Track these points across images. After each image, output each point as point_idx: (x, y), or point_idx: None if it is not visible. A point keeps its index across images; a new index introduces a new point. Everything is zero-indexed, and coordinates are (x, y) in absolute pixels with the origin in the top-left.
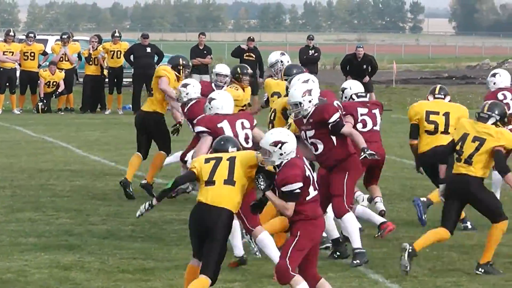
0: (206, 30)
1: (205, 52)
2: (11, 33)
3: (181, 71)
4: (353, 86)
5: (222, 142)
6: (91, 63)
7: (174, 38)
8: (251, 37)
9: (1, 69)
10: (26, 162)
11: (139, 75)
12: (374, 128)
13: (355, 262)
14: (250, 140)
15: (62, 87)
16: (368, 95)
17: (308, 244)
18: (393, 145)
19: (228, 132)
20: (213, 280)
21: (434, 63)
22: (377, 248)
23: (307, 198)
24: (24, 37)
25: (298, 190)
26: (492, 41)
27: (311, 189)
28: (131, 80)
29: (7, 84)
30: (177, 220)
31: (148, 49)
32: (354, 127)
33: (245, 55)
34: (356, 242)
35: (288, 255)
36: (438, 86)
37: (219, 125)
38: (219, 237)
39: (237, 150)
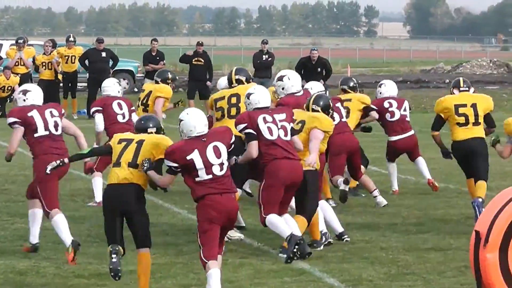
0: (160, 34)
1: (157, 58)
2: None
3: (170, 85)
4: (314, 86)
5: (142, 122)
6: (44, 68)
7: (129, 42)
8: (200, 42)
9: None
10: None
11: (93, 79)
12: (342, 120)
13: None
14: (59, 128)
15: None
16: None
17: (207, 224)
18: None
19: (38, 120)
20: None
21: (389, 67)
22: (332, 252)
23: (196, 179)
24: None
25: (171, 166)
26: (446, 45)
27: (201, 172)
28: (85, 84)
29: None
30: None
31: (103, 54)
32: None
33: (194, 60)
34: (284, 233)
35: (199, 242)
36: (461, 79)
37: (29, 114)
38: (140, 211)
39: (157, 129)
